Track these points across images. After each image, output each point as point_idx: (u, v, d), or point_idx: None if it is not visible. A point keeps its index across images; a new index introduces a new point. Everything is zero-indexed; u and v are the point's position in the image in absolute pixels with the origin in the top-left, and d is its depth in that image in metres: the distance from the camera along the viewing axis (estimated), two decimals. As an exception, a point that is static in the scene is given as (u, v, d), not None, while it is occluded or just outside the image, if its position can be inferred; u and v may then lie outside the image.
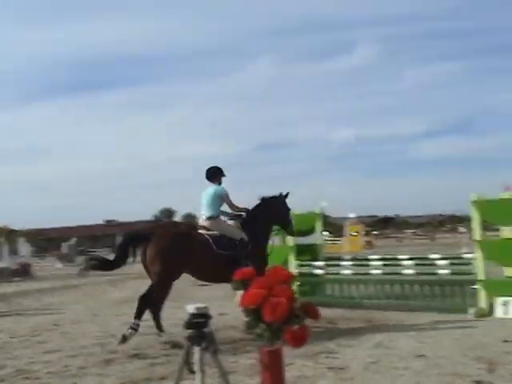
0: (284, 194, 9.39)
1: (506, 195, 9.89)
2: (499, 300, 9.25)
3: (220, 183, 8.78)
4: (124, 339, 7.65)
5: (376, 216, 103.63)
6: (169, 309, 11.91)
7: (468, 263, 9.91)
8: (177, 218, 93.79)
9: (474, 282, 9.68)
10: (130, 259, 8.06)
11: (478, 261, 9.64)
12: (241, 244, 8.54)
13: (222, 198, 8.70)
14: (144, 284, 8.74)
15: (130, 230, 9.25)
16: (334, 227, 51.52)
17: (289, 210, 9.51)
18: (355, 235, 40.89)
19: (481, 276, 9.55)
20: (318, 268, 11.80)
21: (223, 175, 8.85)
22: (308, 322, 2.84)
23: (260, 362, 2.76)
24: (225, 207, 8.91)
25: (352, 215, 43.27)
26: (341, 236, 44.46)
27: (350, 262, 11.67)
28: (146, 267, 8.07)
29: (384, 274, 11.01)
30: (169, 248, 7.91)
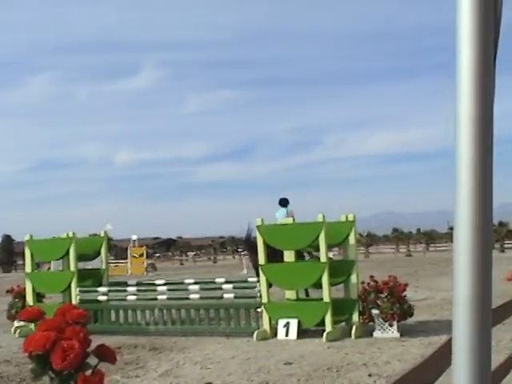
0: None
1: (287, 220, 10.33)
2: (281, 322, 9.56)
3: (287, 206, 13.25)
4: None
5: (159, 238, 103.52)
6: None
7: (253, 286, 10.12)
8: None
9: (258, 305, 9.90)
10: None
11: (261, 284, 9.89)
12: None
13: (290, 214, 12.68)
14: None
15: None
16: (117, 250, 50.36)
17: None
18: (138, 258, 40.23)
19: (264, 299, 9.80)
20: (102, 294, 11.27)
21: (288, 203, 13.40)
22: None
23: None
24: None
25: (134, 237, 42.49)
26: (124, 258, 43.52)
27: (135, 288, 11.32)
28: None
29: (169, 298, 10.83)
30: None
